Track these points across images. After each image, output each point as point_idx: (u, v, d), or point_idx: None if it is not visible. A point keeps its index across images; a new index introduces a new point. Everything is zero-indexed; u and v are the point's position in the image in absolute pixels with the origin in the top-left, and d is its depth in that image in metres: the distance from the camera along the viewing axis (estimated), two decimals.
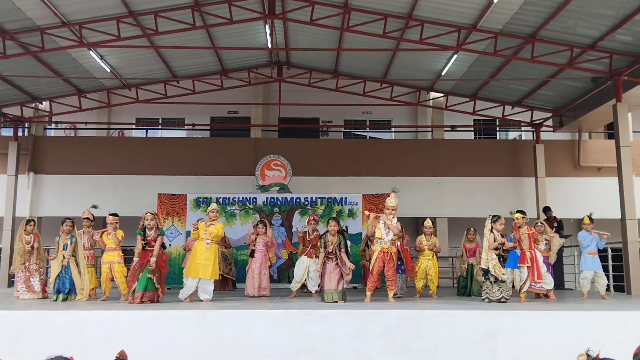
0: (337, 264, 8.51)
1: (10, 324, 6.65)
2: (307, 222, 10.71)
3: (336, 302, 8.20)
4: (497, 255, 8.60)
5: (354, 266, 8.63)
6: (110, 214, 9.26)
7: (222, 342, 6.51)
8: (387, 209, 8.62)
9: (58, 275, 8.95)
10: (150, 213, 8.60)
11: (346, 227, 12.45)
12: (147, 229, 8.45)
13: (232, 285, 12.00)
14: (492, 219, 8.77)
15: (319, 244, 9.12)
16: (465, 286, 10.67)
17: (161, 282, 8.55)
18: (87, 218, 9.69)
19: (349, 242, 10.53)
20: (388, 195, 13.49)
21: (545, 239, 10.10)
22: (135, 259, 8.48)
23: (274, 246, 10.86)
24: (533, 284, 8.87)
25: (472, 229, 10.77)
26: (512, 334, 6.58)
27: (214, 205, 9.13)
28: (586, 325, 6.66)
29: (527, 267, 8.82)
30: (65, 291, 8.87)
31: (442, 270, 13.39)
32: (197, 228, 8.81)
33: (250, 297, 9.73)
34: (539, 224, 10.10)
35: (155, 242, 8.39)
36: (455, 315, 6.83)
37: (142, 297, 8.11)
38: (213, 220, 8.92)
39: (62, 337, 6.43)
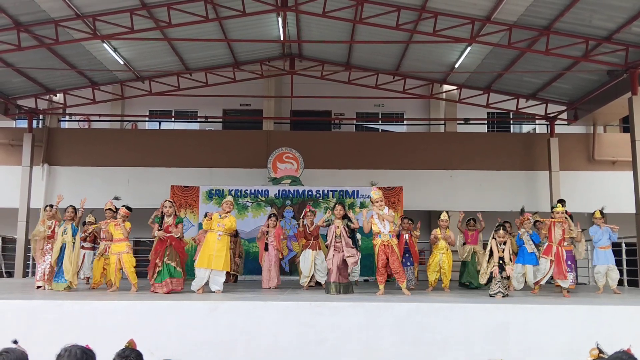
0: (344, 254, 8.60)
1: (24, 313, 6.73)
2: (304, 215, 10.64)
3: (342, 293, 8.25)
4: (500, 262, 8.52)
5: (357, 253, 8.71)
6: (124, 207, 9.34)
7: (234, 333, 6.55)
8: (376, 202, 8.54)
9: (57, 257, 9.05)
10: (169, 201, 8.92)
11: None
12: (165, 216, 8.63)
13: (234, 278, 12.02)
14: (495, 228, 8.69)
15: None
16: (464, 270, 10.78)
17: (182, 268, 8.71)
18: (110, 209, 9.75)
19: (359, 235, 10.54)
20: (400, 188, 13.62)
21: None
22: (158, 233, 8.68)
23: (285, 238, 10.89)
24: (556, 279, 8.80)
25: (472, 220, 10.86)
26: (524, 328, 6.55)
27: (229, 198, 9.23)
28: (599, 320, 6.62)
29: (550, 260, 8.73)
30: (62, 280, 8.96)
31: (456, 264, 13.36)
32: (212, 218, 8.86)
33: (265, 289, 9.82)
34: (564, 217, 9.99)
35: (172, 227, 8.64)
36: (466, 308, 6.81)
37: (171, 284, 8.37)
38: (227, 212, 8.97)
39: (75, 327, 6.50)
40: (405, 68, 16.08)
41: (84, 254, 10.31)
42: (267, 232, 10.20)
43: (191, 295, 8.23)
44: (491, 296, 8.30)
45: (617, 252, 12.24)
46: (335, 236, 8.71)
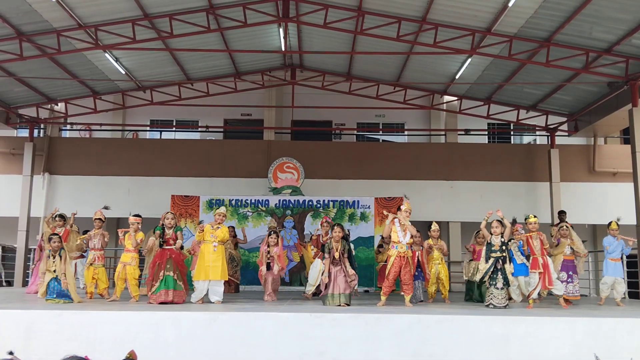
0: (342, 268, 8.46)
1: (24, 323, 6.71)
2: (320, 225, 10.65)
3: (341, 305, 8.15)
4: (496, 257, 8.46)
5: (356, 275, 8.58)
6: (133, 215, 9.24)
7: (233, 343, 6.52)
8: (404, 212, 8.51)
9: (49, 283, 8.49)
10: (171, 213, 8.80)
11: (348, 231, 12.34)
12: (166, 227, 8.56)
13: (235, 288, 11.90)
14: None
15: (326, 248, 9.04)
16: (471, 289, 10.49)
17: (183, 280, 8.62)
18: (99, 219, 9.71)
19: (352, 245, 10.45)
20: (401, 198, 13.62)
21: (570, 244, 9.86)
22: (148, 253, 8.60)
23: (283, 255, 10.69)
24: (545, 289, 8.76)
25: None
26: (525, 340, 6.52)
27: (222, 209, 9.15)
28: (600, 332, 6.58)
29: (539, 272, 8.68)
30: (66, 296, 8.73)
31: (455, 275, 13.30)
32: (203, 230, 8.83)
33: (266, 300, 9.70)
34: (564, 227, 9.95)
35: (173, 240, 8.55)
36: (467, 320, 6.78)
37: (167, 295, 8.22)
38: (219, 223, 8.94)
39: (75, 337, 6.46)
40: (406, 79, 16.13)
41: (75, 263, 10.39)
42: (268, 251, 9.91)
43: (191, 305, 8.20)
44: (486, 306, 8.33)
45: None
46: (333, 259, 8.51)
